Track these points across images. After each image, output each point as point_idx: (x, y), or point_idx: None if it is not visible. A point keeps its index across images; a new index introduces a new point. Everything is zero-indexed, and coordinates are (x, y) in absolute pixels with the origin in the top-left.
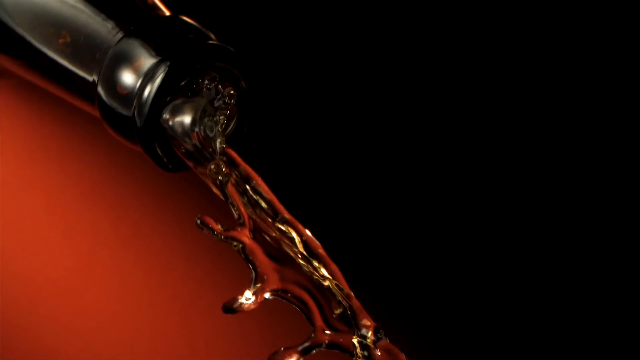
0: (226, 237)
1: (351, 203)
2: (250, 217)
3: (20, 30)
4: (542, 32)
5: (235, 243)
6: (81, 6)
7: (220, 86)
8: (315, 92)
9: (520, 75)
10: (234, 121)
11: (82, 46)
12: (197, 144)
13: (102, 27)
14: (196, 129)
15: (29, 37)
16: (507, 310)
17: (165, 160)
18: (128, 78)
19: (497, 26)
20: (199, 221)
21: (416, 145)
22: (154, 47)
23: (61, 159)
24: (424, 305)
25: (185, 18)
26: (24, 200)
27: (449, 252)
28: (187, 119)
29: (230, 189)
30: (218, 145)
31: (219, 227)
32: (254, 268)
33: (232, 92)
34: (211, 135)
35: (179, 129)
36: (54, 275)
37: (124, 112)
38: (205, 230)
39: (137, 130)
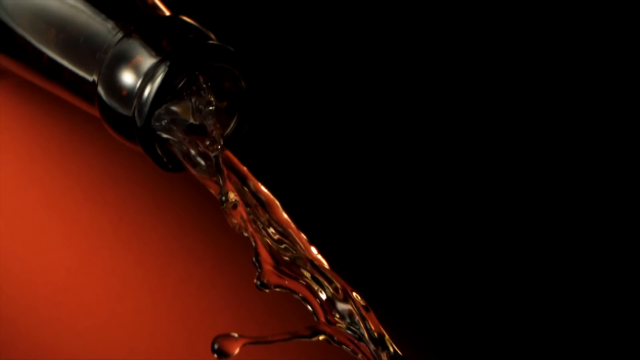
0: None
1: (351, 203)
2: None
3: (20, 30)
4: (542, 32)
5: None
6: (81, 6)
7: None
8: (315, 92)
9: (520, 75)
10: (232, 121)
11: (82, 46)
12: (192, 145)
13: (102, 27)
14: (187, 128)
15: (29, 37)
16: (507, 310)
17: (165, 160)
18: (128, 78)
19: (497, 26)
20: (216, 346)
21: (416, 146)
22: (154, 47)
23: (61, 159)
24: (424, 305)
25: (185, 18)
26: (24, 200)
27: (449, 252)
28: (182, 121)
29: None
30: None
31: (239, 339)
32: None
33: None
34: (207, 134)
35: (174, 130)
36: (54, 275)
37: (124, 112)
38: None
39: (137, 130)
